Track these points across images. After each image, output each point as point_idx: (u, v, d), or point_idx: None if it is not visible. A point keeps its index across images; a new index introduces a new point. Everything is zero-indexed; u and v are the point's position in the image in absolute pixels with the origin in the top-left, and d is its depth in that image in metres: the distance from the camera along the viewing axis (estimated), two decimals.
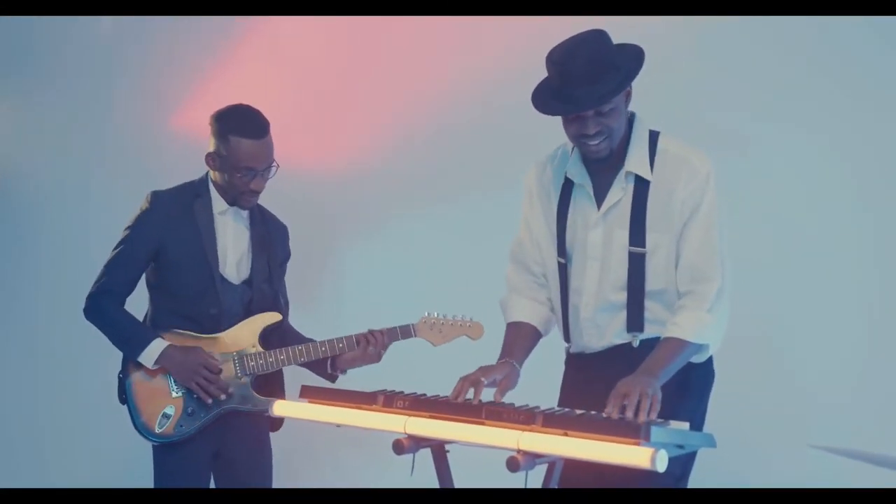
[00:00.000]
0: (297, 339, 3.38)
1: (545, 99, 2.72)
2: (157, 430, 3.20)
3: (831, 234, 3.79)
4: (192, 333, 3.26)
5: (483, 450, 2.37)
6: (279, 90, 4.50)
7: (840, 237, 3.79)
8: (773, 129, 3.84)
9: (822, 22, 3.67)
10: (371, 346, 3.27)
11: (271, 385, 3.34)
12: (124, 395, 3.24)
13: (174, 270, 3.25)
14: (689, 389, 2.77)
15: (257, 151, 3.21)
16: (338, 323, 3.48)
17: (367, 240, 4.55)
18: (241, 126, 3.20)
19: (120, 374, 3.27)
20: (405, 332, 3.33)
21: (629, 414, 2.37)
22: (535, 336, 2.96)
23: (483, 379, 2.68)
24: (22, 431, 4.93)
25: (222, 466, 3.32)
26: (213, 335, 3.27)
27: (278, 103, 4.31)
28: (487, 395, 2.67)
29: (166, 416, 3.21)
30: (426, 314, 3.35)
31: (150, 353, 3.19)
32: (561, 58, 2.65)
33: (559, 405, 2.83)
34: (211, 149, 3.26)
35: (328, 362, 3.34)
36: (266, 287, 3.36)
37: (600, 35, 2.68)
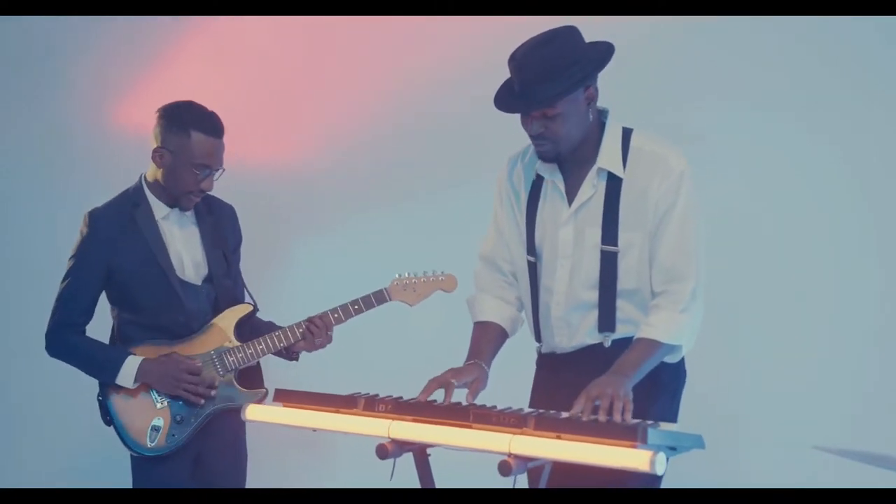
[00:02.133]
0: (267, 326, 3.32)
1: (500, 95, 2.73)
2: (149, 445, 3.13)
3: (831, 233, 3.84)
4: (165, 342, 3.18)
5: (463, 452, 2.34)
6: (228, 89, 4.43)
7: (840, 236, 3.83)
8: (772, 128, 3.87)
9: (824, 21, 3.71)
10: (316, 336, 3.22)
11: (250, 376, 3.28)
12: (108, 416, 3.16)
13: (131, 286, 3.17)
14: (660, 389, 2.78)
15: (216, 149, 3.14)
16: (285, 323, 3.44)
17: (320, 239, 4.52)
18: (203, 122, 3.13)
19: (99, 396, 3.19)
20: (379, 297, 3.28)
21: (602, 416, 2.37)
22: (503, 336, 2.94)
23: (454, 381, 2.66)
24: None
25: (201, 472, 3.24)
26: (188, 339, 3.20)
27: (228, 102, 4.23)
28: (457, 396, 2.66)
29: (156, 428, 3.14)
30: (397, 275, 3.31)
31: (127, 373, 3.12)
32: (519, 57, 2.65)
33: (530, 406, 2.82)
34: (159, 143, 3.14)
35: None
36: (228, 282, 3.30)
37: (565, 35, 2.66)
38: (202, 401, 3.15)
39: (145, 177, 3.22)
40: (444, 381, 2.66)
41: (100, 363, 3.15)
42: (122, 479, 3.27)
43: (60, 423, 4.63)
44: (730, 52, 3.92)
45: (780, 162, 3.87)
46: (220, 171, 3.18)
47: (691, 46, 3.94)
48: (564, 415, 2.39)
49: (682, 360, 2.84)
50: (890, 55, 3.76)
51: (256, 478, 3.41)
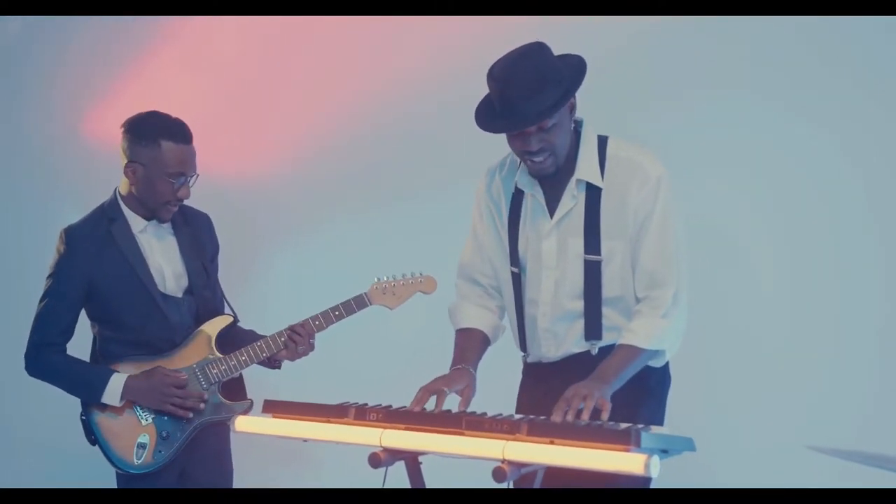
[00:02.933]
0: (248, 336, 3.28)
1: (486, 116, 2.69)
2: (136, 462, 3.09)
3: (830, 233, 3.86)
4: (147, 358, 3.14)
5: (455, 460, 2.35)
6: (198, 95, 4.43)
7: (839, 235, 3.86)
8: (777, 127, 3.89)
9: (827, 21, 3.74)
10: (299, 345, 3.18)
11: (233, 388, 3.24)
12: (92, 435, 3.12)
13: (113, 303, 3.12)
14: (647, 394, 2.81)
15: (188, 155, 3.10)
16: (262, 331, 3.43)
17: (298, 247, 4.51)
18: (170, 130, 3.08)
19: (82, 415, 3.14)
20: (359, 302, 3.25)
21: (571, 417, 2.40)
22: (486, 342, 2.95)
23: (445, 389, 2.66)
24: None
25: (187, 484, 3.20)
26: (170, 354, 3.17)
27: (198, 108, 4.22)
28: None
29: (142, 445, 3.09)
30: (375, 279, 3.29)
31: (113, 392, 3.07)
32: (501, 74, 2.62)
33: (516, 413, 2.83)
34: (130, 158, 3.10)
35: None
36: (208, 293, 3.26)
37: (540, 48, 2.66)
38: (190, 414, 3.11)
39: (119, 191, 3.18)
40: (434, 390, 2.65)
41: (84, 382, 3.11)
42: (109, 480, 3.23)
43: (46, 424, 4.54)
44: (734, 50, 3.95)
45: (784, 159, 3.90)
46: (195, 176, 3.14)
47: (696, 45, 3.97)
48: (556, 420, 2.40)
49: (667, 364, 2.87)
50: (892, 53, 3.80)
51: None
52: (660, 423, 2.82)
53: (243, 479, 3.40)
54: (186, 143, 3.10)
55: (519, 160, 2.85)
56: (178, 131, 3.09)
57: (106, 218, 3.15)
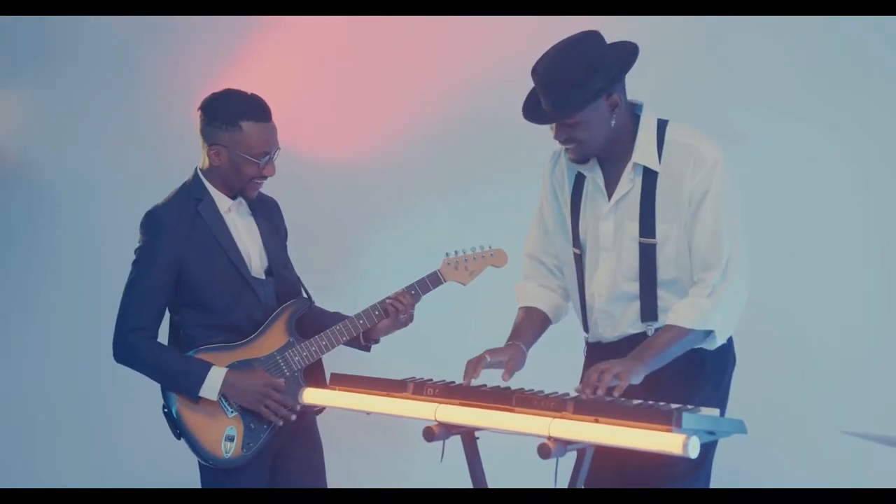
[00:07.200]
0: (328, 317, 3.22)
1: (527, 106, 2.80)
2: (225, 456, 3.00)
3: (850, 226, 3.86)
4: (226, 346, 3.06)
5: (512, 438, 2.39)
6: (293, 87, 4.52)
7: (859, 228, 3.85)
8: (785, 126, 3.88)
9: (834, 21, 3.73)
10: (401, 313, 3.14)
11: (313, 372, 3.15)
12: (178, 429, 3.02)
13: (203, 285, 3.03)
14: (704, 376, 2.81)
15: (270, 134, 3.05)
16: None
17: (381, 231, 4.58)
18: (250, 110, 3.02)
19: (164, 408, 3.05)
20: (434, 280, 3.21)
21: (588, 391, 2.45)
22: (545, 322, 3.00)
23: (487, 357, 2.72)
24: (22, 429, 4.91)
25: (280, 472, 3.14)
26: (249, 341, 3.09)
27: (293, 99, 4.36)
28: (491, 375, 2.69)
29: (230, 438, 3.01)
30: (446, 255, 3.24)
31: (211, 386, 2.98)
32: (536, 67, 2.72)
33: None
34: (212, 141, 3.03)
35: (360, 334, 3.19)
36: (287, 273, 3.21)
37: (578, 44, 2.69)
38: (282, 421, 3.03)
39: (201, 169, 3.12)
40: (479, 358, 2.72)
41: (180, 374, 3.00)
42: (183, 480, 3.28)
43: (84, 421, 4.76)
44: (743, 52, 3.95)
45: (801, 163, 3.91)
46: (277, 151, 3.08)
47: (695, 44, 3.99)
48: (607, 398, 2.42)
49: (731, 347, 2.87)
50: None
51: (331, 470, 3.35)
52: (718, 406, 2.79)
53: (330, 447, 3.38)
54: (267, 120, 3.04)
55: None
56: (257, 110, 3.03)
57: (192, 198, 3.07)
